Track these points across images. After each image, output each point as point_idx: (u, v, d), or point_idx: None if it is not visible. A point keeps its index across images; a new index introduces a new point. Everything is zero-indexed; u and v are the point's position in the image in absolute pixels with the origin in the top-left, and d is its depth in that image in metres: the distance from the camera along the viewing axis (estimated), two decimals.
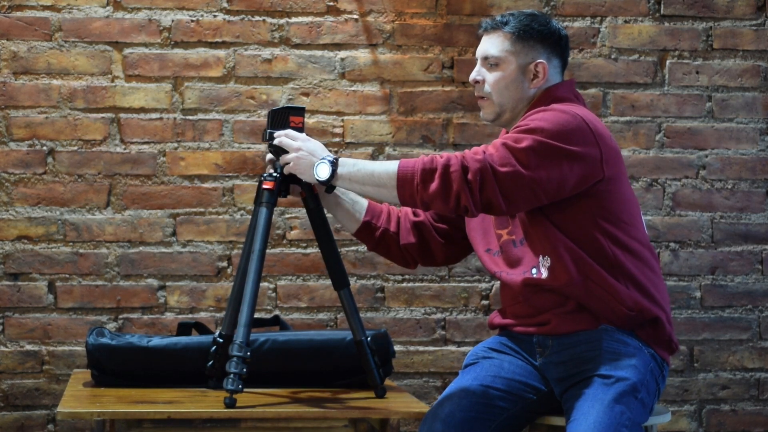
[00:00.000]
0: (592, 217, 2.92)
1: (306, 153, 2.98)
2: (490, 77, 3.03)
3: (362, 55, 4.05)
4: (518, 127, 2.91)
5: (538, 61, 3.01)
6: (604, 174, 2.91)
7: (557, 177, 2.84)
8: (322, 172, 2.92)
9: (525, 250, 2.98)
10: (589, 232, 2.91)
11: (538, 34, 3.01)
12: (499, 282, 3.11)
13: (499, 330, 3.14)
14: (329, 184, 2.94)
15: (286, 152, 3.02)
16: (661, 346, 2.98)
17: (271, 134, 3.07)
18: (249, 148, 4.01)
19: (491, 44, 3.03)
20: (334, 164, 2.91)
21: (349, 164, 2.93)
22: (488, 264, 3.07)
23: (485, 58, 3.03)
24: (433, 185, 2.81)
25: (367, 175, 2.89)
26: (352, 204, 3.19)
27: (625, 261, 2.93)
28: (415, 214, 3.22)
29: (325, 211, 3.15)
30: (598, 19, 4.14)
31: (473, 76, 3.05)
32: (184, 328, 3.44)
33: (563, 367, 2.96)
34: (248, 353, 2.93)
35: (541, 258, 2.93)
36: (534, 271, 2.95)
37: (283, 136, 3.03)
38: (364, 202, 3.21)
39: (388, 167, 2.87)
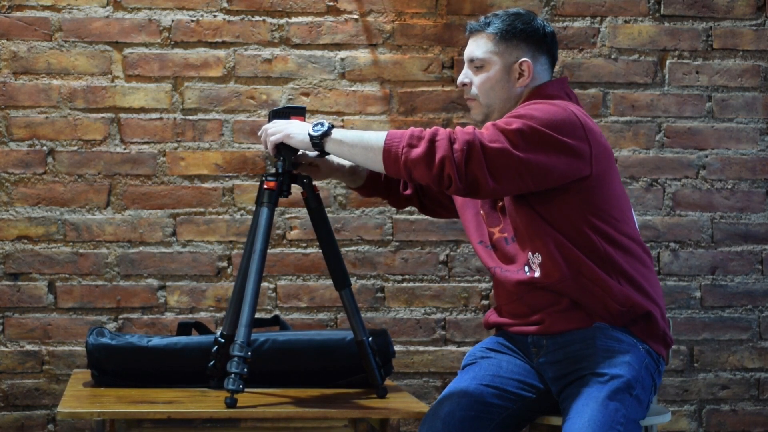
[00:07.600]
0: (581, 213, 2.92)
1: (297, 123, 3.04)
2: (477, 79, 3.05)
3: (362, 55, 4.05)
4: (508, 115, 2.93)
5: (522, 60, 3.02)
6: (593, 170, 2.91)
7: (544, 163, 2.85)
8: (318, 129, 2.96)
9: (516, 248, 2.99)
10: (580, 228, 2.92)
11: (522, 33, 3.02)
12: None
13: (495, 330, 3.15)
14: (323, 143, 2.96)
15: (289, 149, 3.04)
16: (655, 341, 2.98)
17: None
18: (249, 148, 4.01)
19: (476, 46, 3.05)
20: (330, 126, 2.96)
21: (342, 129, 2.99)
22: (483, 257, 3.08)
23: (471, 61, 3.06)
24: (418, 149, 2.84)
25: (357, 137, 2.94)
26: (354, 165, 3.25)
27: (616, 257, 2.94)
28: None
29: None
30: (598, 19, 4.13)
31: (461, 79, 3.08)
32: (184, 328, 3.44)
33: (558, 366, 2.96)
34: (249, 353, 2.93)
35: (531, 255, 2.94)
36: (527, 269, 2.96)
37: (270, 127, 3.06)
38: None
39: (379, 133, 2.92)
